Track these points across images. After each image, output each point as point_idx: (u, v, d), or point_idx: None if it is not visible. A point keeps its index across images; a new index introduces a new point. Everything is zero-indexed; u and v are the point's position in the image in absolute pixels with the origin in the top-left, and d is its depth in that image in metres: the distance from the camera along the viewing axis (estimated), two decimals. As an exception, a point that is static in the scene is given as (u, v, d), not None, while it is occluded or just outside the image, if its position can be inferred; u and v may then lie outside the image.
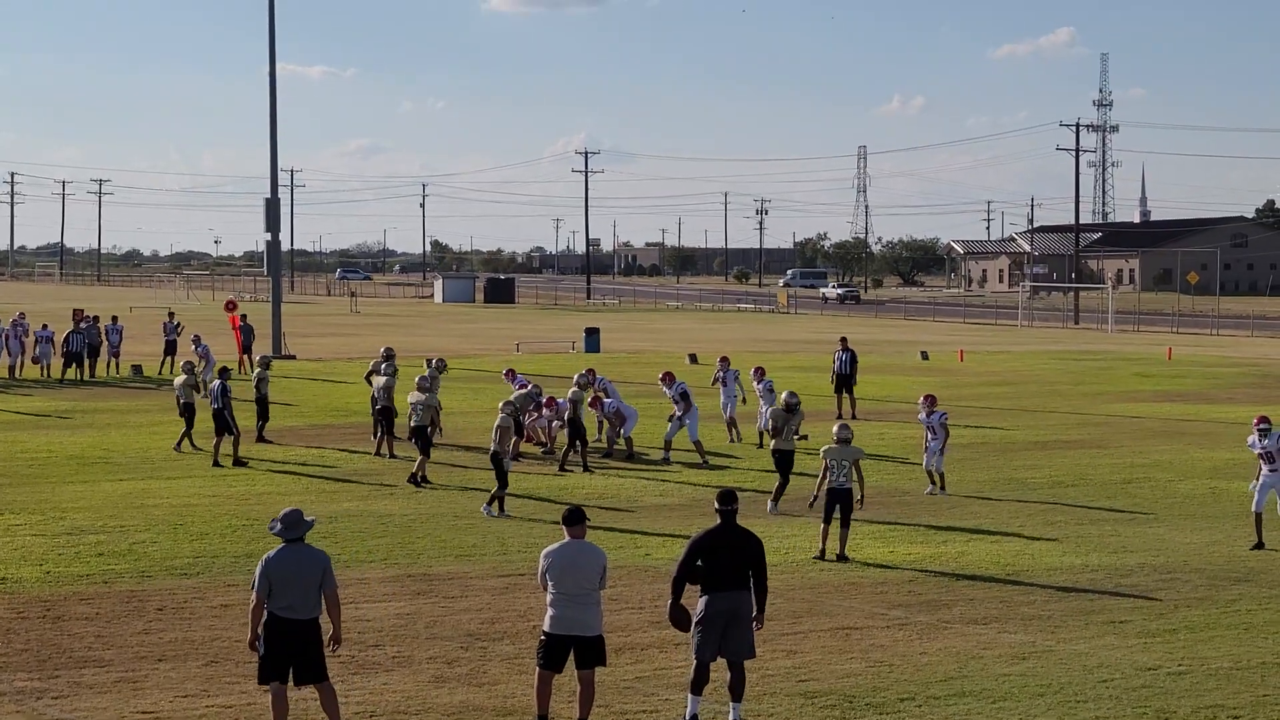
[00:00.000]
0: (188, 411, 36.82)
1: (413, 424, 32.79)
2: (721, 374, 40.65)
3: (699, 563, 15.93)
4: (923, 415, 31.88)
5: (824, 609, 21.36)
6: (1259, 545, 25.76)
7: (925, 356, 71.78)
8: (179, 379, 37.56)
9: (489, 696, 17.01)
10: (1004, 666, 18.36)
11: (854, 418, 44.47)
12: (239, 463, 34.31)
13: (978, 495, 31.33)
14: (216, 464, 34.13)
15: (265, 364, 40.11)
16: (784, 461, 29.25)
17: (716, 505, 16.29)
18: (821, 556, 24.58)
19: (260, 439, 37.99)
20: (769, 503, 28.90)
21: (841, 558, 24.54)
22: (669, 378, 37.48)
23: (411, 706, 16.60)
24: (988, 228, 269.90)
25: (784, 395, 30.18)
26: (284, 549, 14.89)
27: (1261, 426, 26.29)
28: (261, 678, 14.87)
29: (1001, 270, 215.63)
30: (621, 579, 22.63)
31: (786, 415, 29.66)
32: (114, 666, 18.16)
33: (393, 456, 35.51)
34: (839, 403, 45.63)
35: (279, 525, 14.92)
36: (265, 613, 14.76)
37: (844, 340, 47.39)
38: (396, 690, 17.23)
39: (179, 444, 36.70)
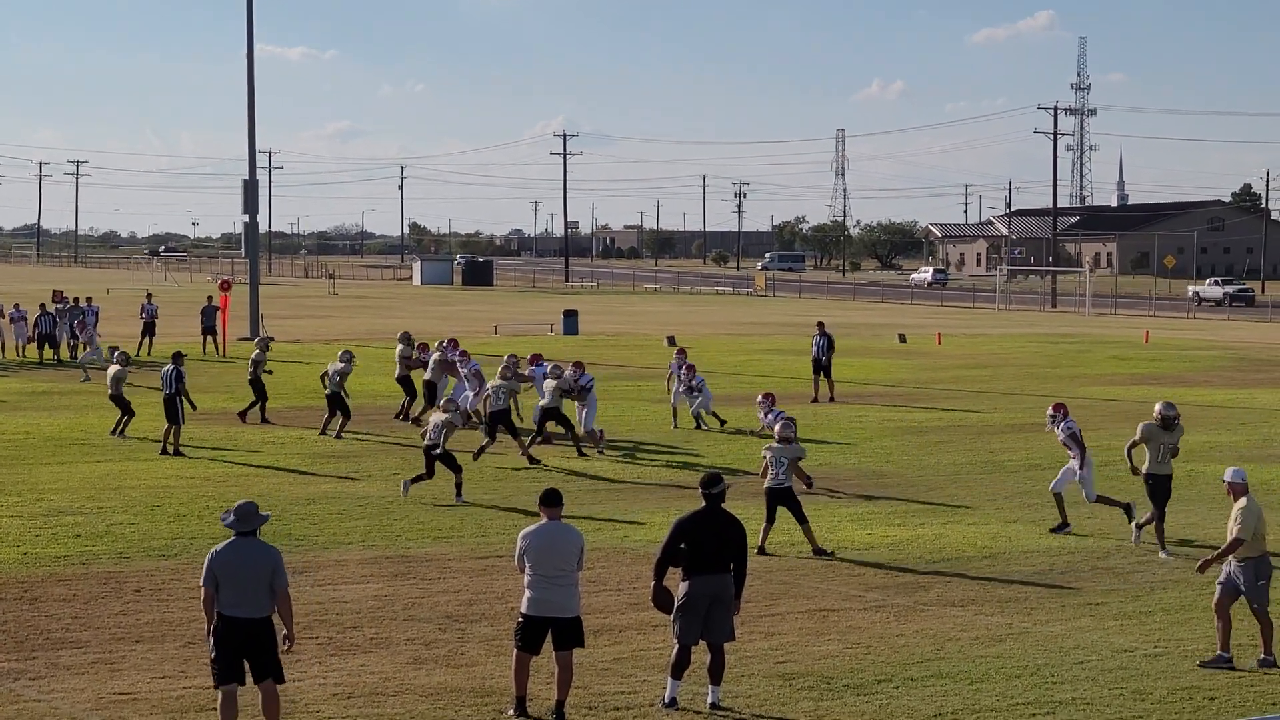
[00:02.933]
0: (121, 402, 35.78)
1: (492, 409, 32.82)
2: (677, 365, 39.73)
3: (682, 546, 15.95)
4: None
5: (802, 591, 21.39)
6: (1061, 527, 25.56)
7: (903, 339, 71.85)
8: (112, 369, 36.24)
9: (467, 678, 17.02)
10: (981, 648, 18.41)
11: (831, 400, 44.57)
12: (178, 452, 33.19)
13: (955, 477, 31.39)
14: (166, 451, 33.22)
15: (264, 346, 40.14)
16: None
17: (701, 488, 16.31)
18: (761, 551, 23.49)
19: (264, 420, 38.06)
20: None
21: (819, 552, 23.64)
22: (536, 358, 38.93)
23: (389, 688, 16.61)
24: (965, 211, 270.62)
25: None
26: (232, 542, 14.33)
27: (1051, 413, 26.04)
28: (216, 679, 14.31)
29: (979, 254, 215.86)
30: (600, 561, 22.65)
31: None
32: (91, 648, 18.14)
33: (338, 437, 35.84)
34: (816, 386, 45.50)
35: (231, 517, 14.40)
36: (217, 611, 14.24)
37: (820, 325, 47.12)
38: (374, 671, 17.23)
39: (118, 429, 35.91)
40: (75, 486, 29.07)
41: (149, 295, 63.64)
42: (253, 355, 39.28)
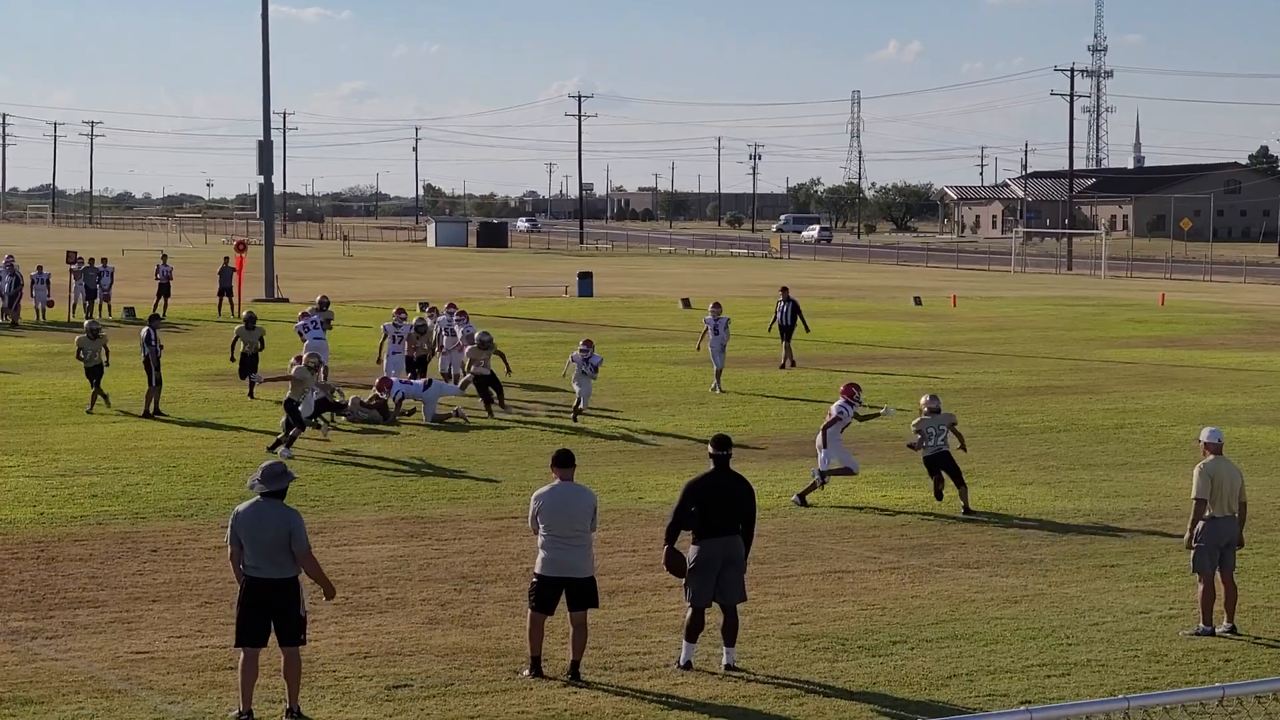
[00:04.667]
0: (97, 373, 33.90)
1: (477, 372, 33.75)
2: (713, 320, 39.42)
3: (692, 509, 15.96)
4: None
5: (816, 553, 21.41)
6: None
7: (919, 302, 71.76)
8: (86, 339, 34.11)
9: (482, 638, 17.06)
10: (996, 610, 18.42)
11: (792, 365, 43.80)
12: (157, 412, 33.19)
13: (970, 440, 31.31)
14: (147, 414, 33.06)
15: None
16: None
17: (711, 450, 16.32)
18: (969, 512, 24.01)
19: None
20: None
21: (968, 511, 23.98)
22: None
23: (405, 648, 16.65)
24: (981, 173, 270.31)
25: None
26: (254, 503, 14.34)
27: (846, 397, 25.55)
28: (238, 639, 14.37)
29: (995, 216, 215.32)
30: (614, 522, 22.68)
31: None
32: (108, 607, 18.20)
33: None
34: (786, 352, 44.50)
35: (257, 478, 14.42)
36: (242, 572, 14.31)
37: (784, 290, 46.55)
38: (390, 631, 17.28)
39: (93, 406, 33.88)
40: (91, 447, 29.13)
41: (164, 256, 63.65)
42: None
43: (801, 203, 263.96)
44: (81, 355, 33.89)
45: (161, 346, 34.02)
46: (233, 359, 37.19)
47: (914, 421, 25.37)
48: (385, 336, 36.87)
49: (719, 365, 38.89)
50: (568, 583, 15.60)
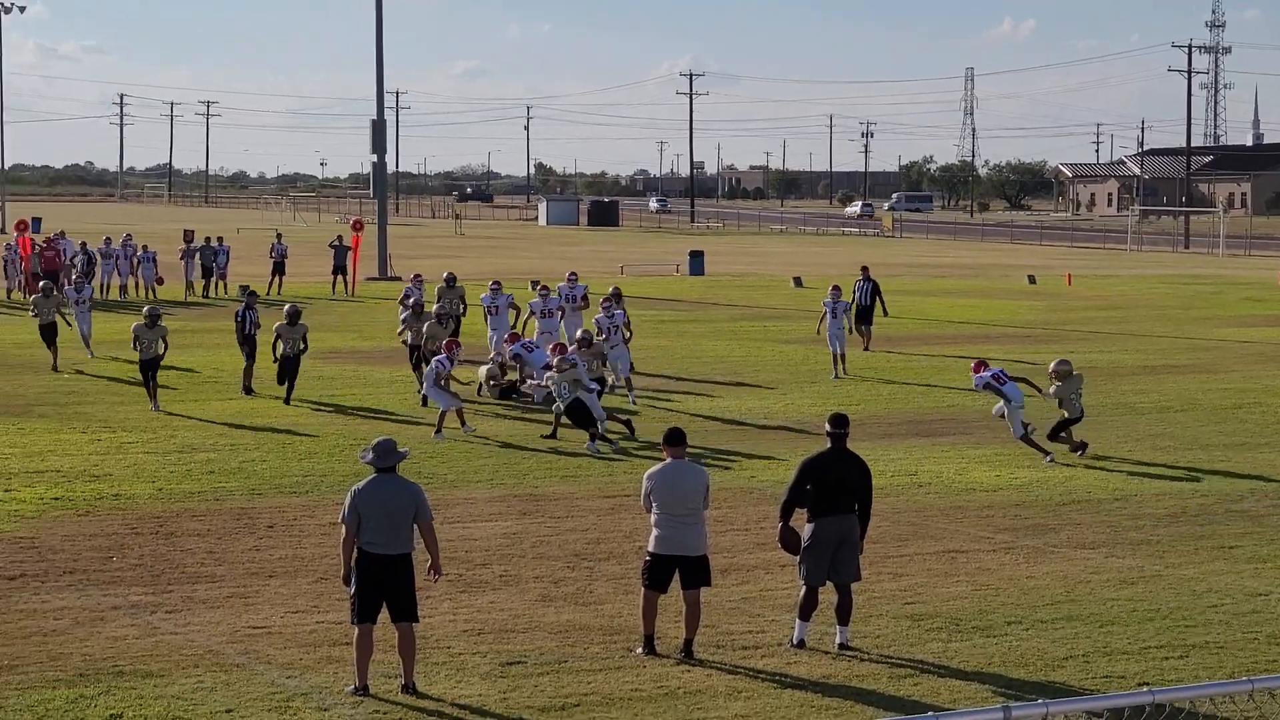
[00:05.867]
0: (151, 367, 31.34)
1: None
2: (832, 303, 38.09)
3: (807, 487, 15.91)
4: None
5: (930, 532, 21.30)
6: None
7: (1033, 281, 71.17)
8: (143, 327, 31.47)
9: (595, 616, 17.10)
10: (1112, 591, 18.25)
11: (866, 349, 41.89)
12: (249, 391, 33.12)
13: (1086, 420, 31.02)
14: (249, 391, 33.08)
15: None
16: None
17: (828, 428, 16.26)
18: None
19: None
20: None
21: (1080, 447, 26.63)
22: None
23: (519, 625, 16.72)
24: (1096, 151, 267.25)
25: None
26: (374, 480, 14.49)
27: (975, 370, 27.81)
28: (355, 615, 14.50)
29: (1110, 194, 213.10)
30: (726, 501, 22.66)
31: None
32: (226, 582, 18.40)
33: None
34: (866, 335, 42.70)
35: (370, 454, 14.53)
36: (356, 548, 14.46)
37: (865, 270, 45.07)
38: (504, 609, 17.35)
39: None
40: (207, 423, 29.44)
41: (279, 235, 64.19)
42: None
43: (914, 181, 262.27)
44: (137, 346, 31.15)
45: (258, 326, 33.70)
46: (275, 359, 32.41)
47: (1050, 390, 26.48)
48: (530, 314, 36.40)
49: (836, 350, 37.30)
50: (681, 561, 15.60)
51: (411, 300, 35.56)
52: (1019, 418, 26.75)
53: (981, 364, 28.02)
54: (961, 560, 19.77)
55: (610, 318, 33.45)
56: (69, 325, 36.13)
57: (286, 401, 31.66)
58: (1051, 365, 27.35)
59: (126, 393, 33.38)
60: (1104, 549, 20.43)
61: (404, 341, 34.37)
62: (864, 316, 42.91)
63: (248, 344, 33.52)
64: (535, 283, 38.12)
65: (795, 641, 15.95)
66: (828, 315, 37.95)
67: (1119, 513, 22.62)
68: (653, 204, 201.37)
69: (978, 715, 6.93)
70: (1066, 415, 26.80)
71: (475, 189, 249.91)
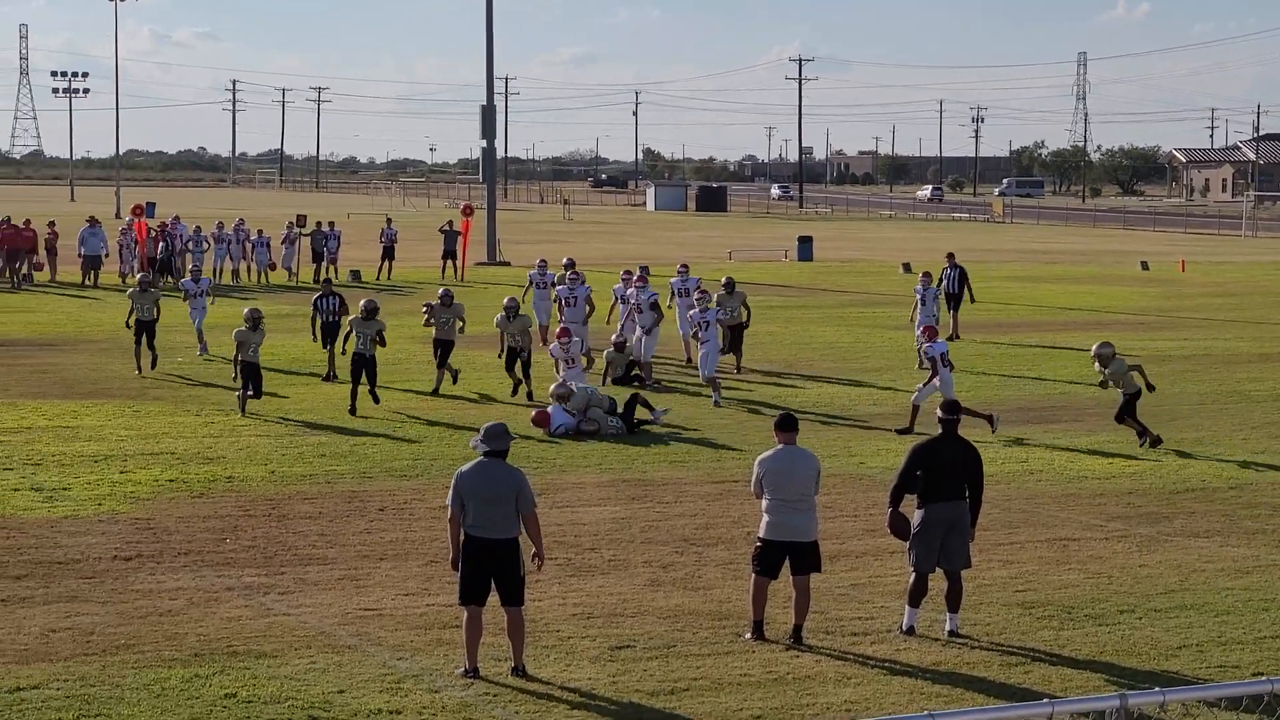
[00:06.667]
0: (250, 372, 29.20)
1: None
2: (922, 290, 37.26)
3: (918, 473, 15.83)
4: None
5: (1041, 520, 21.14)
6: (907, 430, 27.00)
7: (1145, 267, 70.45)
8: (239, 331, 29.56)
9: (704, 601, 17.10)
10: (1227, 580, 18.04)
11: (953, 337, 40.42)
12: (333, 376, 32.49)
13: (1200, 407, 30.73)
14: (331, 377, 32.51)
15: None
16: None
17: (939, 414, 16.19)
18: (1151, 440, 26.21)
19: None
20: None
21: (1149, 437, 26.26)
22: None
23: (628, 609, 16.75)
24: (1211, 136, 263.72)
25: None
26: (479, 463, 14.55)
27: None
28: (460, 598, 14.64)
29: (1225, 179, 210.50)
30: (835, 487, 22.59)
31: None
32: (337, 564, 18.55)
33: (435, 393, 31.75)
34: (954, 322, 41.83)
35: (479, 439, 14.62)
36: (463, 531, 14.55)
37: (951, 256, 43.88)
38: (613, 593, 17.39)
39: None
40: (318, 407, 29.66)
41: (388, 220, 64.58)
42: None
43: (1025, 166, 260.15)
44: (241, 352, 28.95)
45: (335, 314, 32.88)
46: (342, 351, 31.78)
47: (1106, 373, 26.57)
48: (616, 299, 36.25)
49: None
50: (791, 547, 15.58)
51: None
52: (928, 395, 27.13)
53: (933, 332, 28.99)
54: (1074, 548, 19.61)
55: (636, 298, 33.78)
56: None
57: (375, 400, 29.17)
58: (1095, 348, 27.06)
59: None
60: (1218, 538, 20.20)
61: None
62: (951, 304, 42.11)
63: (327, 332, 32.93)
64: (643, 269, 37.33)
65: (905, 628, 15.89)
66: (919, 303, 37.22)
67: (1234, 501, 22.36)
68: (774, 191, 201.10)
69: (1093, 702, 6.88)
70: (1126, 394, 26.62)
71: (610, 176, 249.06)
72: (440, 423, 28.08)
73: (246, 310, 30.05)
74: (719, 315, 33.26)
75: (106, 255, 57.34)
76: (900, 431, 26.98)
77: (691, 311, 32.79)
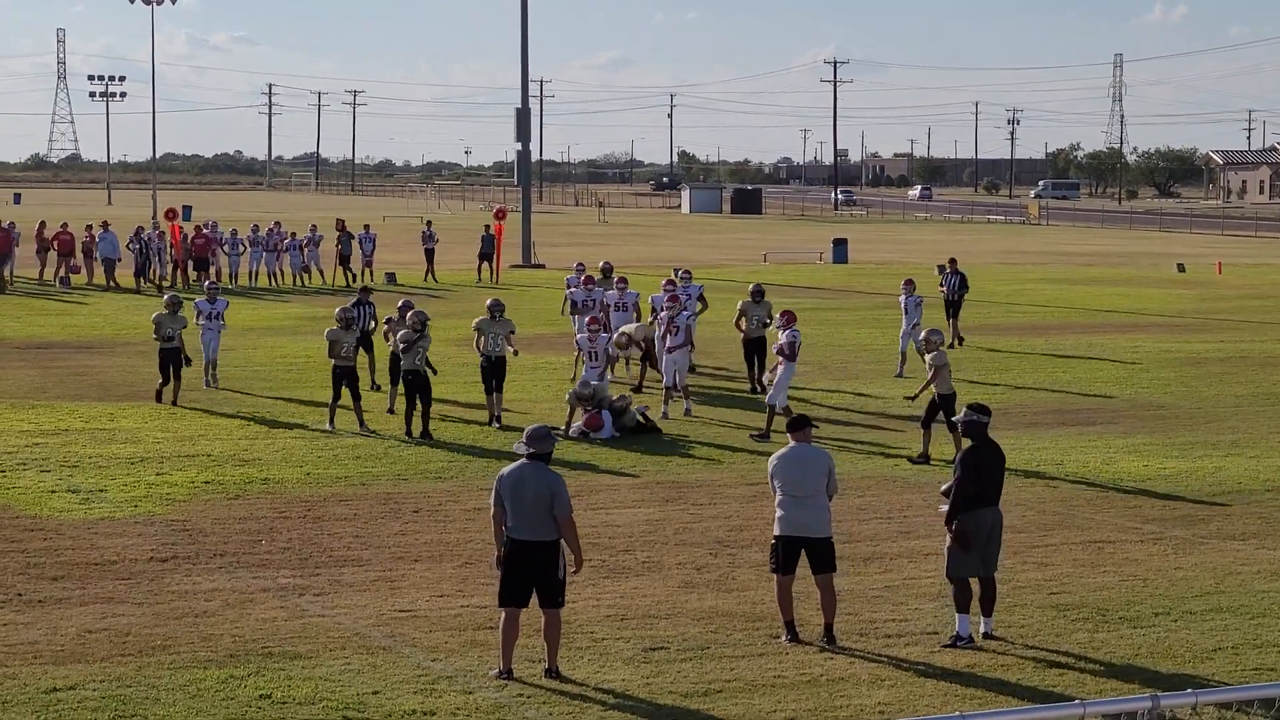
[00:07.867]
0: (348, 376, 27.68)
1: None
2: (904, 299, 36.00)
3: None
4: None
5: (1075, 522, 21.09)
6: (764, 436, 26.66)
7: (1182, 269, 70.20)
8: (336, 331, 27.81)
9: (738, 602, 17.11)
10: (1263, 583, 17.98)
11: (960, 342, 40.01)
12: (375, 387, 31.44)
13: (1236, 410, 30.62)
14: (375, 387, 31.47)
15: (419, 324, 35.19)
16: None
17: (974, 416, 16.13)
18: None
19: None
20: None
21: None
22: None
23: (662, 610, 16.76)
24: (1248, 137, 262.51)
25: None
26: (519, 466, 14.61)
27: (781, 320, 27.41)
28: (500, 599, 14.69)
29: (1262, 181, 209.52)
30: (870, 489, 22.59)
31: None
32: (372, 566, 18.60)
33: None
34: (953, 329, 40.42)
35: (522, 441, 14.68)
36: (505, 532, 14.59)
37: (952, 261, 42.85)
38: (647, 595, 17.41)
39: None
40: (347, 410, 29.61)
41: (428, 223, 64.75)
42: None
43: (1060, 168, 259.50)
44: (335, 351, 27.56)
45: (374, 320, 32.52)
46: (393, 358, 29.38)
47: (930, 360, 25.22)
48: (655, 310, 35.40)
49: (902, 347, 35.69)
50: (805, 542, 15.60)
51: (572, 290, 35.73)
52: (784, 390, 27.03)
53: (792, 318, 27.98)
54: (1108, 550, 19.56)
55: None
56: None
57: (425, 434, 26.87)
58: (924, 334, 25.90)
59: (274, 378, 33.81)
60: (1254, 540, 20.13)
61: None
62: (951, 311, 40.90)
63: (363, 341, 30.66)
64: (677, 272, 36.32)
65: (962, 636, 15.58)
66: (903, 312, 35.92)
67: (1270, 504, 22.27)
68: (912, 192, 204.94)
69: (1127, 703, 6.88)
70: (940, 392, 24.89)
71: (669, 178, 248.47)
72: (475, 422, 28.13)
73: (338, 310, 28.61)
74: (743, 323, 32.27)
75: (119, 259, 57.72)
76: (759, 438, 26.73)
77: (661, 312, 30.88)
